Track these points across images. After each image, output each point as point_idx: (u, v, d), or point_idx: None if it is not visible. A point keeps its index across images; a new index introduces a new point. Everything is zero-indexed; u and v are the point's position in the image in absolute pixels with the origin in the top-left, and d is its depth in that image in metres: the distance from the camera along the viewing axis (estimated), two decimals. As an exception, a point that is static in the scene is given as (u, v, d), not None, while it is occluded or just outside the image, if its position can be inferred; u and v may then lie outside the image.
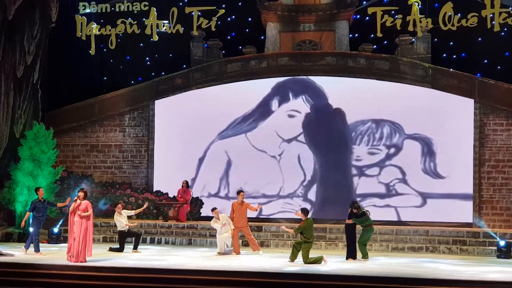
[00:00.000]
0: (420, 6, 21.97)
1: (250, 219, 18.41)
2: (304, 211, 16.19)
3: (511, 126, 21.60)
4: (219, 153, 23.45)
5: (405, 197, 22.18)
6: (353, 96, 22.61)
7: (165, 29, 23.50)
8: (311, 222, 16.05)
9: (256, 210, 18.37)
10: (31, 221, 17.50)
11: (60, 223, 20.02)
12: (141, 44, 24.52)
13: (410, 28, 22.04)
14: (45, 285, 13.77)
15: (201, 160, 23.58)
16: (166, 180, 23.59)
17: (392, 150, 22.39)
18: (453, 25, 21.64)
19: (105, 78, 24.95)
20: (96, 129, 24.26)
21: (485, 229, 19.73)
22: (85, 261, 15.06)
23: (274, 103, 23.27)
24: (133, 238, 18.13)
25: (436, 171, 22.01)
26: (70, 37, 24.12)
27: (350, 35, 23.60)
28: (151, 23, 23.66)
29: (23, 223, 17.75)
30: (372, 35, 22.68)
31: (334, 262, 15.98)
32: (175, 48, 24.15)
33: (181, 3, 23.88)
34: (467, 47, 22.45)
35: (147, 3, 23.76)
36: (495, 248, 18.27)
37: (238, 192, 18.09)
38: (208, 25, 23.37)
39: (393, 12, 22.25)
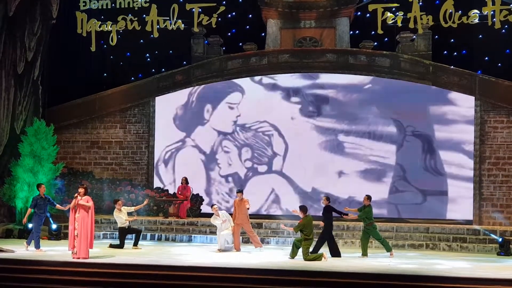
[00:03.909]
0: (421, 3, 22.00)
1: (250, 216, 18.37)
2: (303, 208, 16.18)
3: (511, 123, 21.60)
4: (220, 150, 23.47)
5: (405, 194, 22.18)
6: (354, 93, 22.63)
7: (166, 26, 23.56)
8: (310, 219, 16.04)
9: (248, 209, 18.23)
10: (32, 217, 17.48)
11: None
12: (142, 41, 24.48)
13: (411, 25, 22.06)
14: (45, 282, 13.78)
15: (201, 157, 23.59)
16: (166, 177, 23.66)
17: (393, 147, 22.38)
18: (453, 22, 21.66)
19: (105, 74, 24.92)
20: (97, 125, 24.25)
21: (483, 227, 19.76)
22: (88, 257, 15.09)
23: (276, 101, 23.23)
24: (134, 235, 18.17)
25: (437, 168, 22.00)
26: (71, 34, 24.12)
27: (351, 32, 23.58)
28: (151, 20, 23.66)
29: (24, 219, 17.75)
30: (373, 32, 22.68)
31: (335, 259, 16.00)
32: (176, 44, 24.10)
33: (181, 0, 23.85)
34: (467, 44, 22.42)
35: (147, 0, 23.75)
36: (496, 245, 18.26)
37: (237, 192, 18.11)
38: (208, 21, 23.38)
39: (394, 9, 22.27)
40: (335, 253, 16.63)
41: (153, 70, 24.43)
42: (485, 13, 21.37)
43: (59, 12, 22.69)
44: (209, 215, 18.37)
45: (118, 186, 23.02)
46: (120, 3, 23.99)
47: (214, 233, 18.96)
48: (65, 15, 23.54)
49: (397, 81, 22.44)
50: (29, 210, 17.41)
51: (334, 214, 16.91)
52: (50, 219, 19.64)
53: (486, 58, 22.26)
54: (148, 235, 20.29)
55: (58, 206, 17.78)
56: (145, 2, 23.77)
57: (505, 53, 22.12)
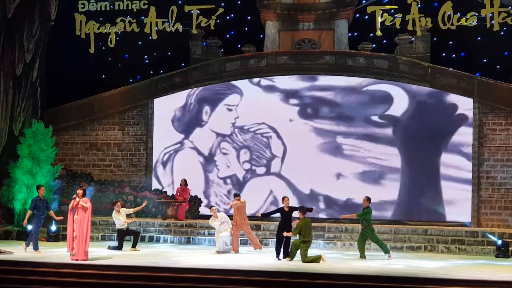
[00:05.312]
0: (419, 5, 21.98)
1: (249, 218, 18.36)
2: (302, 209, 16.17)
3: (510, 125, 21.61)
4: (219, 152, 23.47)
5: (404, 196, 22.17)
6: (352, 95, 22.66)
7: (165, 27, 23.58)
8: (308, 221, 16.00)
9: (231, 207, 18.23)
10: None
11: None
12: (140, 43, 24.50)
13: (410, 27, 22.05)
14: (44, 283, 13.77)
15: (200, 159, 23.59)
16: (165, 178, 23.65)
17: (391, 149, 22.38)
18: (452, 24, 21.66)
19: (104, 76, 24.93)
20: (95, 127, 24.26)
21: (481, 229, 19.76)
22: (86, 259, 15.06)
23: (274, 102, 23.23)
24: (132, 237, 18.16)
25: (435, 170, 21.99)
26: (69, 35, 24.11)
27: (349, 34, 23.60)
28: (150, 22, 23.66)
29: (25, 222, 17.71)
30: (372, 34, 22.69)
31: (333, 261, 15.99)
32: (174, 46, 24.12)
33: (180, 2, 23.86)
34: (466, 46, 22.44)
35: (146, 2, 23.75)
36: (494, 247, 18.26)
37: (234, 196, 18.12)
38: (207, 23, 23.37)
39: (392, 11, 22.24)
40: (278, 253, 16.52)
41: (152, 72, 24.42)
42: (484, 15, 21.37)
43: (57, 14, 22.70)
44: (208, 217, 18.36)
45: (116, 187, 23.01)
46: (118, 5, 23.98)
47: (212, 235, 18.95)
48: (63, 17, 23.53)
49: (396, 83, 22.46)
50: (29, 212, 17.36)
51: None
52: (53, 220, 19.61)
53: (485, 60, 22.28)
54: (147, 236, 20.29)
55: (51, 212, 17.60)
56: (144, 4, 23.77)
57: (503, 55, 22.13)
